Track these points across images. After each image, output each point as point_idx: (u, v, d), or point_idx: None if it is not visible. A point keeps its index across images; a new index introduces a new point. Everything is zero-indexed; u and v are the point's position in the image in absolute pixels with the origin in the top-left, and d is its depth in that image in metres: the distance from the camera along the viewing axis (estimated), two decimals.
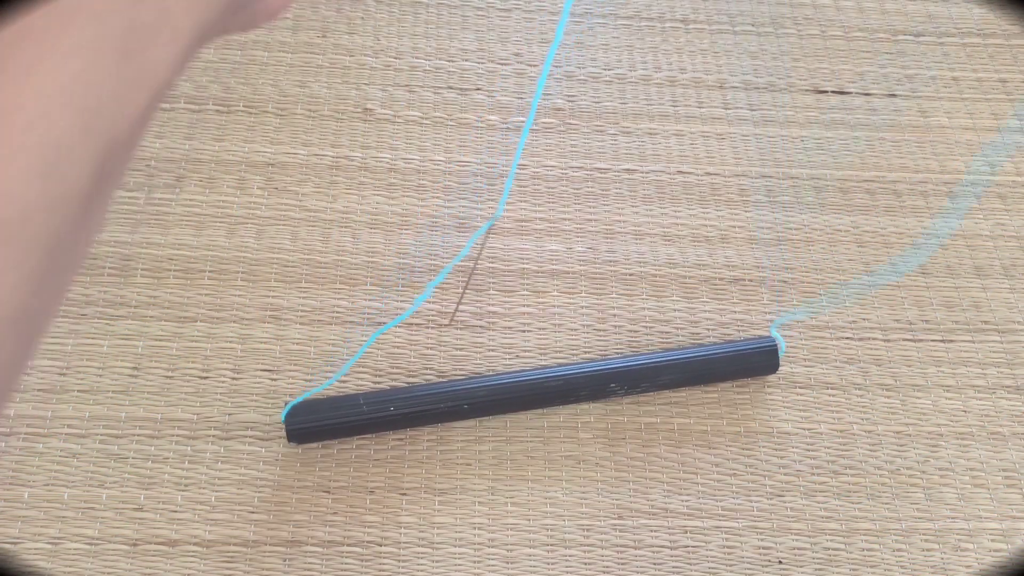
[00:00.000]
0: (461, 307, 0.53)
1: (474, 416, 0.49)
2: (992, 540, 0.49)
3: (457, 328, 0.53)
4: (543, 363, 0.52)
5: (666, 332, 0.54)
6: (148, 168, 0.56)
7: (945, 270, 0.58)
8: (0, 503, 0.45)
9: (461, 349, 0.52)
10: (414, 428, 0.49)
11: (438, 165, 0.59)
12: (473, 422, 0.50)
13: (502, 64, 0.64)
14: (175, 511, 0.46)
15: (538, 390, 0.49)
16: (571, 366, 0.50)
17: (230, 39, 0.62)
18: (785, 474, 0.50)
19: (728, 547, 0.48)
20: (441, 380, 0.51)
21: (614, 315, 0.55)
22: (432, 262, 0.55)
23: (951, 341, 0.56)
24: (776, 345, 0.52)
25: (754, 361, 0.52)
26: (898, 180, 0.62)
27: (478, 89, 0.63)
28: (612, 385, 0.50)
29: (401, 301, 0.53)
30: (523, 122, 0.61)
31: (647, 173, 0.60)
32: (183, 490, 0.47)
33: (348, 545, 0.46)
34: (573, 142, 0.61)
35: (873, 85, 0.66)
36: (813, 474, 0.50)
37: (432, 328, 0.53)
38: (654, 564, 0.47)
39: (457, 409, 0.48)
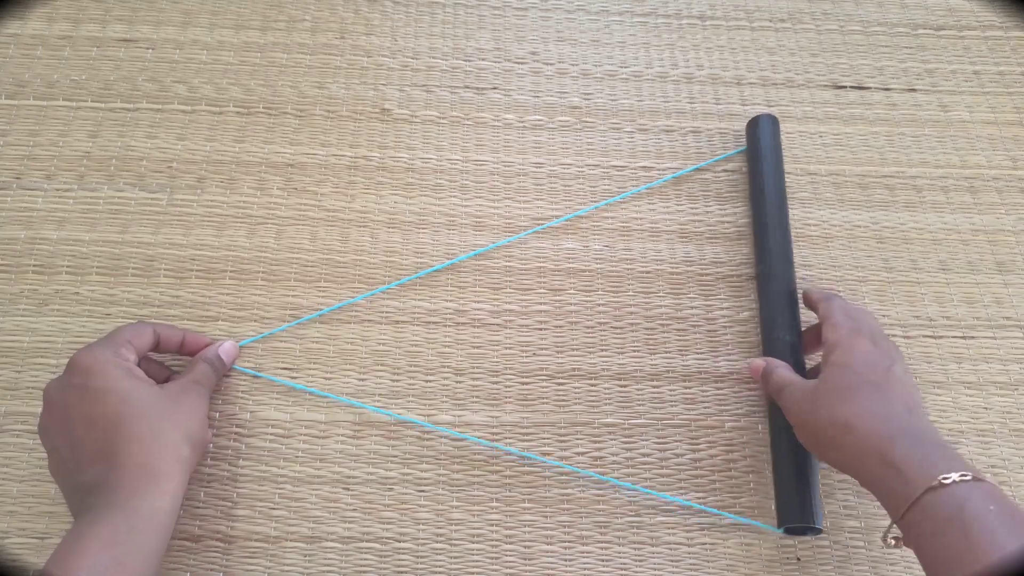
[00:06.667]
0: (477, 305, 0.54)
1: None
2: None
3: (474, 326, 0.53)
4: (560, 360, 0.52)
5: (683, 330, 0.54)
6: (170, 170, 0.57)
7: (966, 266, 0.58)
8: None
9: (478, 347, 0.53)
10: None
11: (455, 164, 0.60)
12: (490, 419, 0.50)
13: (519, 63, 0.65)
14: (198, 507, 0.47)
15: None
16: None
17: (251, 42, 0.63)
18: None
19: (746, 544, 0.48)
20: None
21: (631, 313, 0.55)
22: (449, 261, 0.55)
23: (972, 337, 0.55)
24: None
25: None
26: (918, 176, 0.61)
27: (495, 88, 0.63)
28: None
29: (419, 300, 0.54)
30: (540, 120, 0.62)
31: (664, 171, 0.60)
32: (205, 486, 0.47)
33: (366, 541, 0.47)
34: (590, 140, 0.61)
35: (893, 80, 0.66)
36: (833, 470, 0.50)
37: (450, 327, 0.53)
38: (672, 562, 0.47)
39: None
